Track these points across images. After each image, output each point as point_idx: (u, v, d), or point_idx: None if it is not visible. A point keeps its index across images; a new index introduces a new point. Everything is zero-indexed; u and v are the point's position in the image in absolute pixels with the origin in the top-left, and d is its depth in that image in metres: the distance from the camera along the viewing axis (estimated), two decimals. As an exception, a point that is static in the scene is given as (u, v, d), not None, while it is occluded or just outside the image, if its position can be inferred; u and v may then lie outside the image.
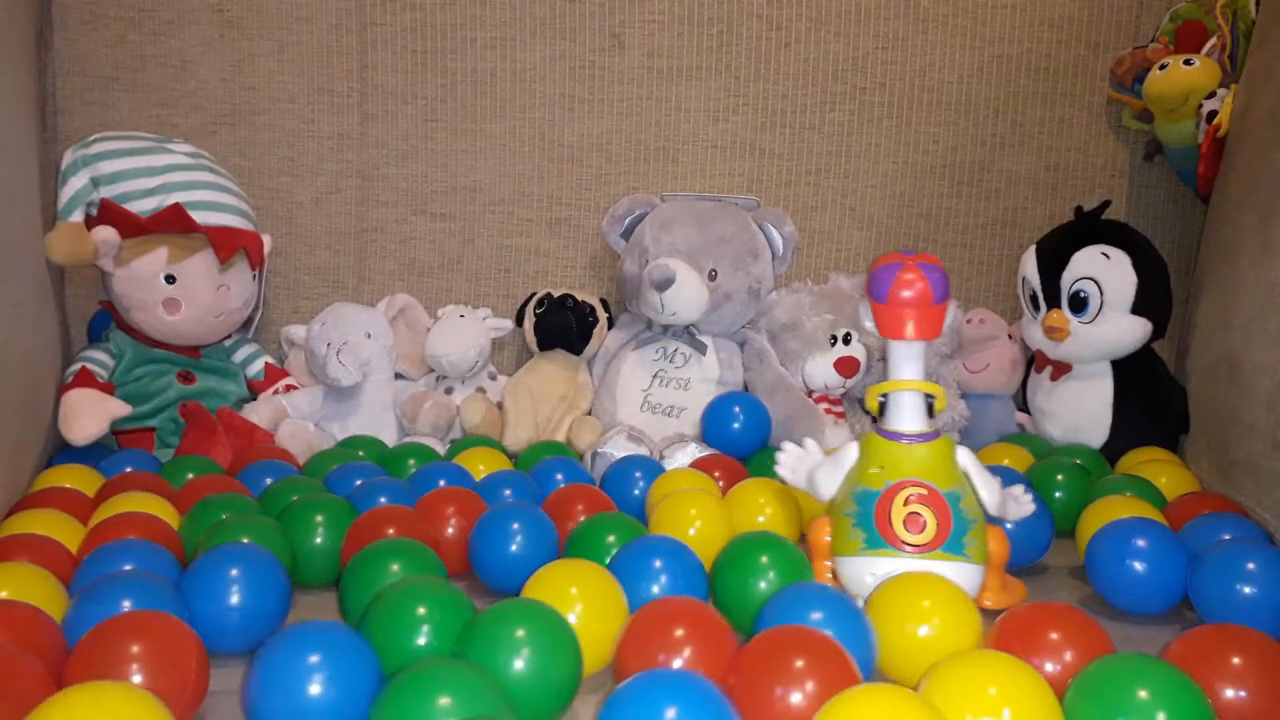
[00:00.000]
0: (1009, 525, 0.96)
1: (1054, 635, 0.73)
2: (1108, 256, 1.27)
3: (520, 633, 0.70)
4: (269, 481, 1.10)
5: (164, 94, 1.48)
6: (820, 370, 1.38)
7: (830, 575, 0.91)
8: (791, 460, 0.95)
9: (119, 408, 1.23)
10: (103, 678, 0.66)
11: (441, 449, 1.32)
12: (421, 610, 0.74)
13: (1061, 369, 1.34)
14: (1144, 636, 0.87)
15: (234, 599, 0.81)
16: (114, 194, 1.28)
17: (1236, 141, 1.26)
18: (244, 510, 0.98)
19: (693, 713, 0.61)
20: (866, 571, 0.86)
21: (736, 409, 1.30)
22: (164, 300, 1.29)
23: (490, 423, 1.36)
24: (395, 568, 0.84)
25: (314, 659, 0.66)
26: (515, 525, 0.94)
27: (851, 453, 0.91)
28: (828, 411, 1.38)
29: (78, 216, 1.27)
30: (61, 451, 1.22)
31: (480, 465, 1.20)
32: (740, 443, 1.28)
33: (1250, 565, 0.86)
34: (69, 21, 1.44)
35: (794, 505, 1.07)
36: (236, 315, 1.37)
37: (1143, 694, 0.64)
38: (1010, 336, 1.45)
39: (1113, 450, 1.28)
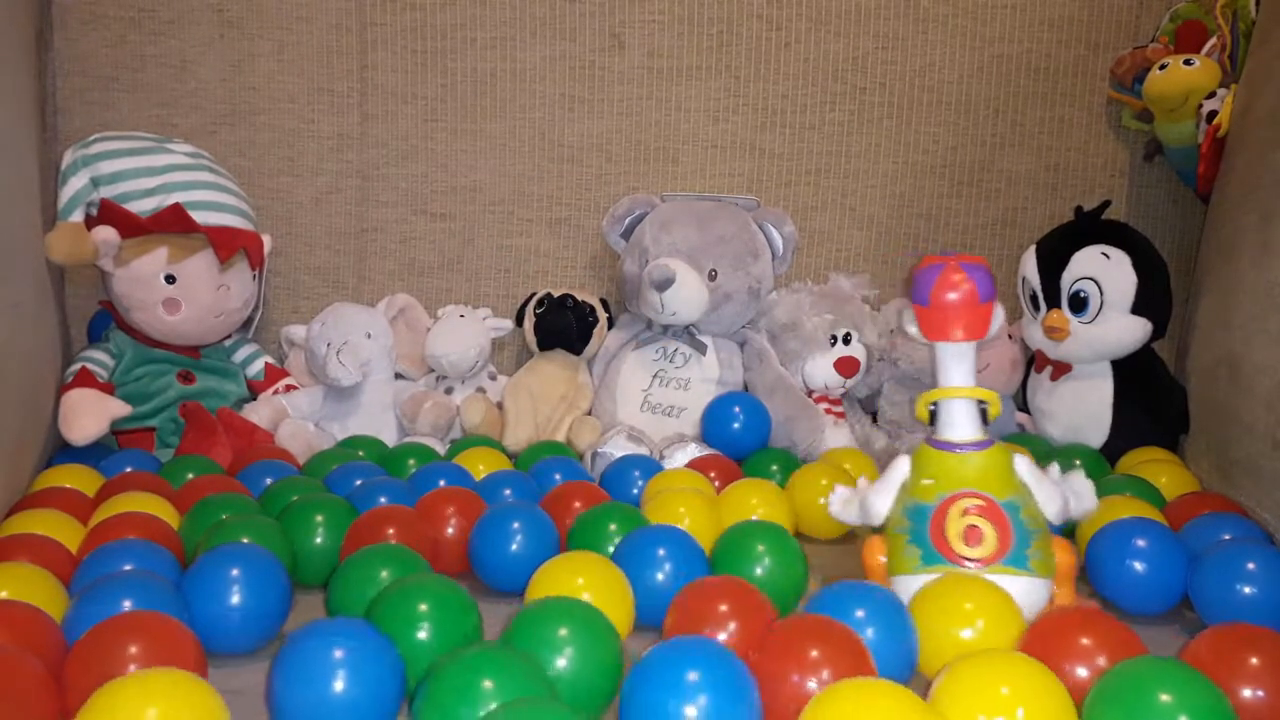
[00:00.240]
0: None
1: (1085, 640, 0.71)
2: (1108, 256, 1.27)
3: (564, 631, 0.71)
4: (269, 481, 1.10)
5: (164, 94, 1.48)
6: (820, 370, 1.38)
7: None
8: (841, 499, 0.92)
9: (119, 408, 1.23)
10: (101, 678, 0.66)
11: (441, 449, 1.32)
12: (424, 607, 0.75)
13: (1061, 369, 1.34)
14: (1144, 636, 0.86)
15: (235, 599, 0.81)
16: (114, 194, 1.28)
17: (1236, 141, 1.26)
18: (244, 510, 0.98)
19: (713, 680, 0.64)
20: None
21: (736, 409, 1.30)
22: (164, 300, 1.29)
23: (490, 423, 1.36)
24: (385, 574, 0.84)
25: (340, 654, 0.67)
26: (515, 525, 0.95)
27: (902, 468, 0.88)
28: (828, 411, 1.38)
29: (78, 216, 1.27)
30: (61, 451, 1.22)
31: (480, 465, 1.20)
32: (740, 443, 1.28)
33: (1250, 565, 0.86)
34: (69, 21, 1.45)
35: (787, 506, 1.07)
36: (236, 315, 1.37)
37: (1165, 698, 0.63)
38: (1010, 336, 1.45)
39: (1113, 450, 1.28)
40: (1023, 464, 0.86)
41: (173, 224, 1.28)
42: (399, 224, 1.57)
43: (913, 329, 0.88)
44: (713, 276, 1.34)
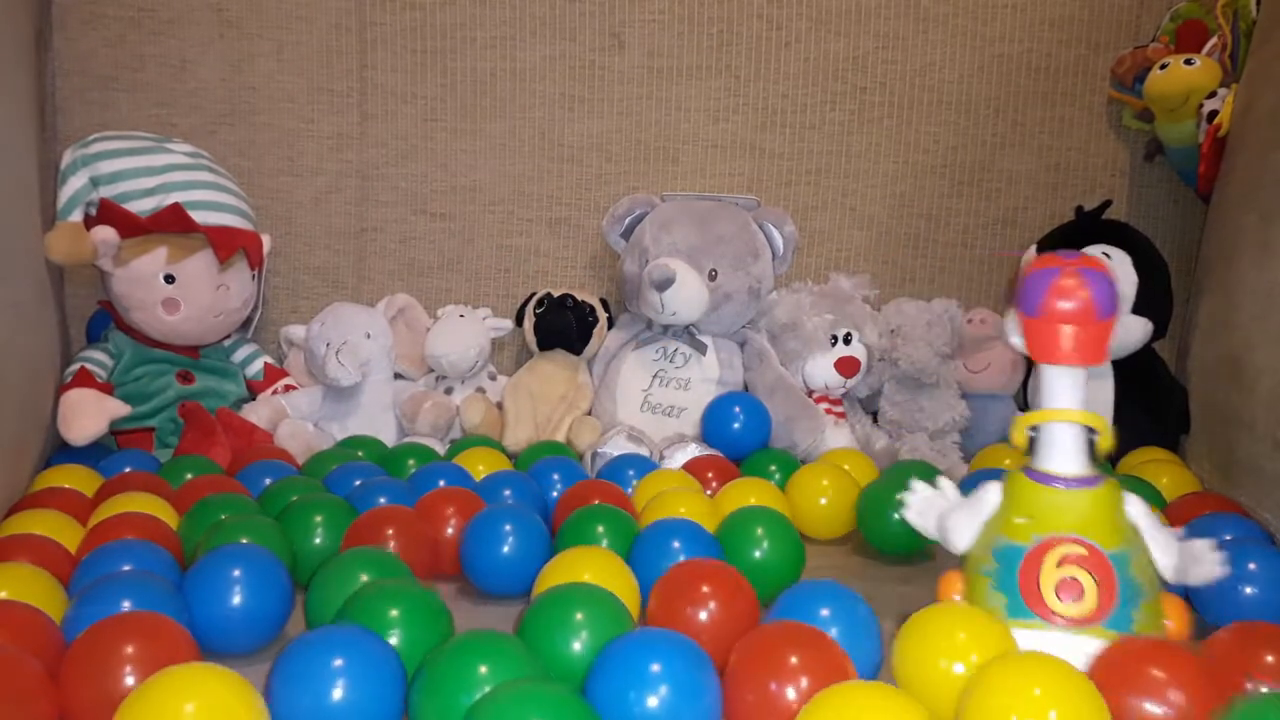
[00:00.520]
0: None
1: (1157, 673, 0.65)
2: (1108, 256, 1.27)
3: (579, 616, 0.73)
4: (268, 482, 1.10)
5: (163, 94, 1.48)
6: (820, 370, 1.38)
7: None
8: (920, 502, 0.83)
9: (118, 408, 1.23)
10: (98, 678, 0.66)
11: (441, 449, 1.32)
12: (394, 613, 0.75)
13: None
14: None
15: (237, 600, 0.81)
16: (113, 194, 1.28)
17: (1237, 141, 1.25)
18: (243, 510, 0.98)
19: (674, 670, 0.65)
20: (1021, 645, 0.72)
21: (736, 409, 1.30)
22: (163, 300, 1.29)
23: (490, 423, 1.36)
24: (364, 577, 0.84)
25: (339, 662, 0.67)
26: (507, 527, 0.94)
27: (991, 496, 0.78)
28: (828, 411, 1.38)
29: (77, 216, 1.27)
30: (60, 451, 1.22)
31: (480, 465, 1.20)
32: (740, 443, 1.28)
33: (1250, 565, 0.86)
34: (69, 21, 1.44)
35: (783, 506, 1.07)
36: (236, 315, 1.37)
37: None
38: (1011, 336, 1.45)
39: (1113, 450, 1.28)
40: (1136, 507, 0.75)
41: (172, 224, 1.27)
42: (399, 224, 1.57)
43: (1016, 340, 0.76)
44: (713, 276, 1.33)
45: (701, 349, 1.36)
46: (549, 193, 1.57)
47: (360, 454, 1.24)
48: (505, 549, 0.93)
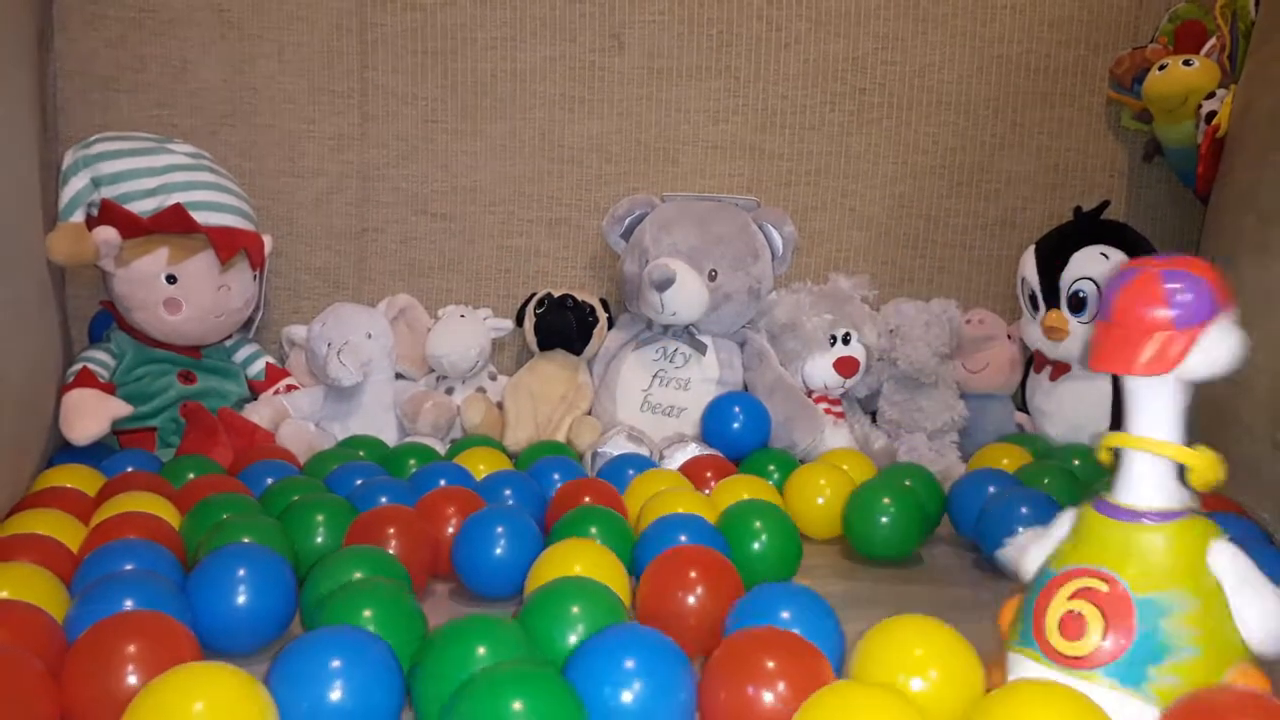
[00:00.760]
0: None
1: None
2: (1107, 257, 1.27)
3: (575, 609, 0.74)
4: (270, 481, 1.11)
5: (165, 95, 1.48)
6: (820, 370, 1.38)
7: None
8: (1019, 544, 0.78)
9: (120, 408, 1.23)
10: (99, 677, 0.67)
11: (442, 449, 1.32)
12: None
13: (1060, 369, 1.34)
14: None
15: (241, 599, 0.81)
16: (115, 194, 1.28)
17: (1235, 142, 1.26)
18: (245, 510, 0.99)
19: (651, 667, 0.66)
20: (1013, 671, 0.68)
21: (736, 409, 1.30)
22: (165, 300, 1.29)
23: (490, 423, 1.36)
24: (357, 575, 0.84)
25: (337, 664, 0.67)
26: (500, 529, 0.94)
27: (1063, 524, 0.72)
28: (827, 411, 1.38)
29: (79, 217, 1.27)
30: (62, 451, 1.22)
31: (480, 465, 1.20)
32: (740, 443, 1.28)
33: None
34: (70, 22, 1.45)
35: (775, 502, 1.08)
36: (237, 315, 1.37)
37: None
38: (1009, 336, 1.46)
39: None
40: (1226, 556, 0.64)
41: (173, 224, 1.28)
42: (399, 224, 1.57)
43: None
44: (713, 277, 1.34)
45: (701, 349, 1.36)
46: (549, 193, 1.58)
47: (361, 454, 1.25)
48: (497, 551, 0.93)
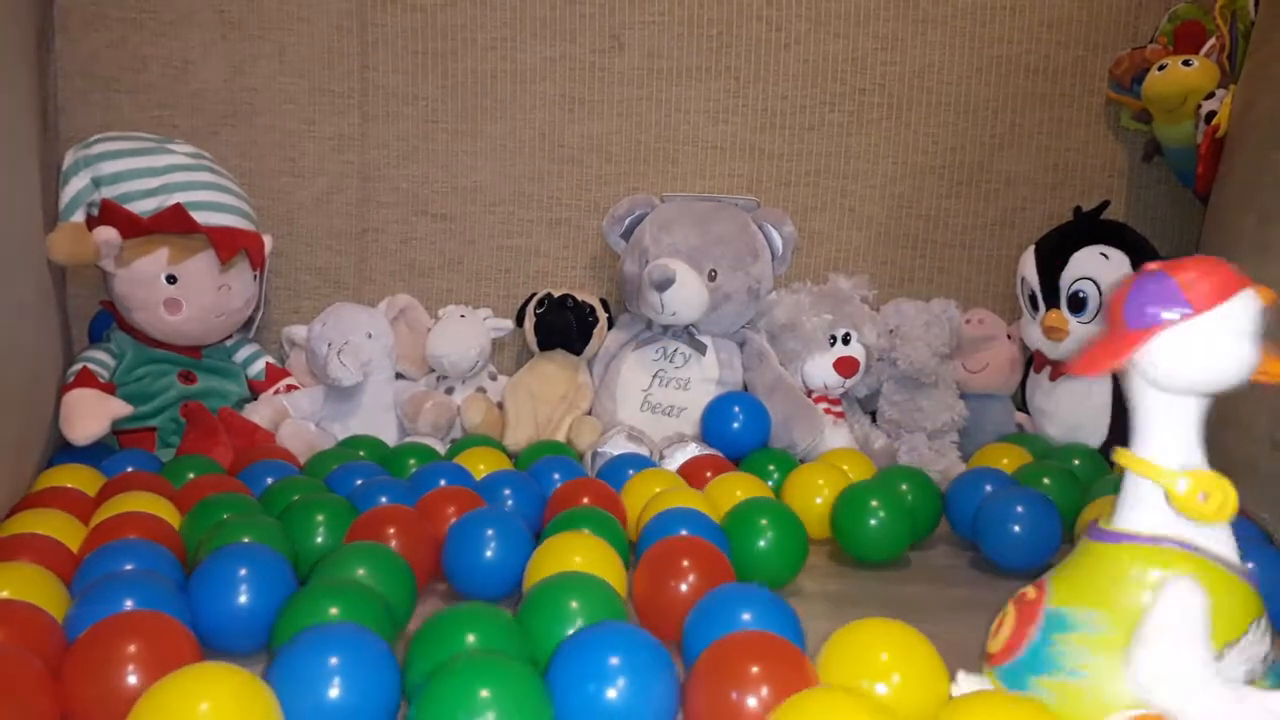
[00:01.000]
0: None
1: None
2: (1106, 257, 1.27)
3: (574, 604, 0.75)
4: (270, 481, 1.11)
5: (165, 95, 1.49)
6: (820, 370, 1.38)
7: None
8: None
9: (120, 408, 1.23)
10: (100, 677, 0.67)
11: (442, 449, 1.32)
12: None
13: (1060, 369, 1.35)
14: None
15: (242, 599, 0.81)
16: (115, 194, 1.28)
17: (1235, 142, 1.26)
18: (245, 510, 0.99)
19: (633, 666, 0.66)
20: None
21: (736, 409, 1.30)
22: (165, 300, 1.30)
23: (490, 423, 1.36)
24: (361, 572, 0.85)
25: (335, 661, 0.67)
26: (490, 532, 0.94)
27: None
28: (827, 411, 1.39)
29: (79, 217, 1.27)
30: (62, 451, 1.22)
31: (480, 465, 1.20)
32: (740, 443, 1.28)
33: (1249, 565, 0.86)
34: (71, 22, 1.45)
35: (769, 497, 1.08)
36: (238, 315, 1.38)
37: None
38: (1009, 336, 1.46)
39: (1111, 450, 1.28)
40: (1169, 594, 0.58)
41: (174, 224, 1.28)
42: (400, 224, 1.57)
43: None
44: (712, 277, 1.34)
45: (701, 349, 1.37)
46: (549, 193, 1.58)
47: (361, 454, 1.25)
48: (488, 554, 0.93)
